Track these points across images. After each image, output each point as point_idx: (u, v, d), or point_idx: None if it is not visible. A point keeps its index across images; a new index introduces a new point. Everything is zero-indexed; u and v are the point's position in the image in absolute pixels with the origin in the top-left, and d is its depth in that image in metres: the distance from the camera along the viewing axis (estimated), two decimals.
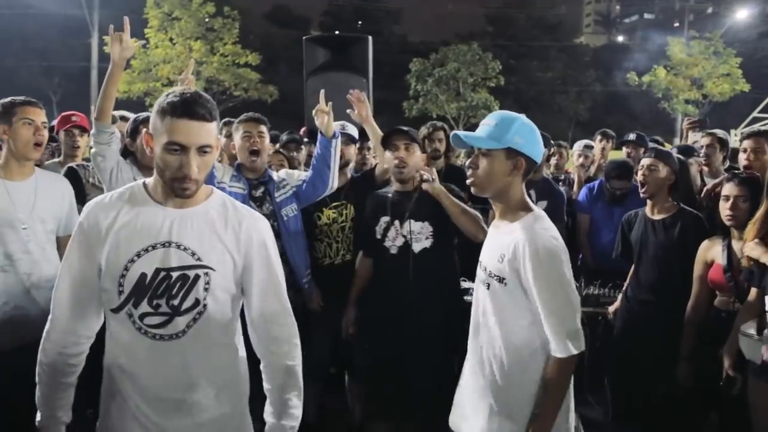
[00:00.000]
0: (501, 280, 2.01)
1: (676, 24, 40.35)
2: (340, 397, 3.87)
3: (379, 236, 3.10)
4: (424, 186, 3.00)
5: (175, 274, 1.72)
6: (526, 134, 2.01)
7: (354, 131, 3.64)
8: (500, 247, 2.03)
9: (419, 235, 3.03)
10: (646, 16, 60.02)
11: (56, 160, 4.09)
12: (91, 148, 3.89)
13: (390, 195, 3.17)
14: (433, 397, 2.83)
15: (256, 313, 1.84)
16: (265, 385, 1.86)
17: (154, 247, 1.71)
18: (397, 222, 3.07)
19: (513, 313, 2.02)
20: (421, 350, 2.97)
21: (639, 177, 3.34)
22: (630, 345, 3.33)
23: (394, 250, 3.06)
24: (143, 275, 1.70)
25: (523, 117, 2.06)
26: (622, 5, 63.37)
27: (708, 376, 2.91)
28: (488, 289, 2.07)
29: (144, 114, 3.30)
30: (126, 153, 3.28)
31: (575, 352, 1.94)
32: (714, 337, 2.88)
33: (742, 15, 31.95)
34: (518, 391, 2.03)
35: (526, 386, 2.02)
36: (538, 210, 2.08)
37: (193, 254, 1.73)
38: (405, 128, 3.19)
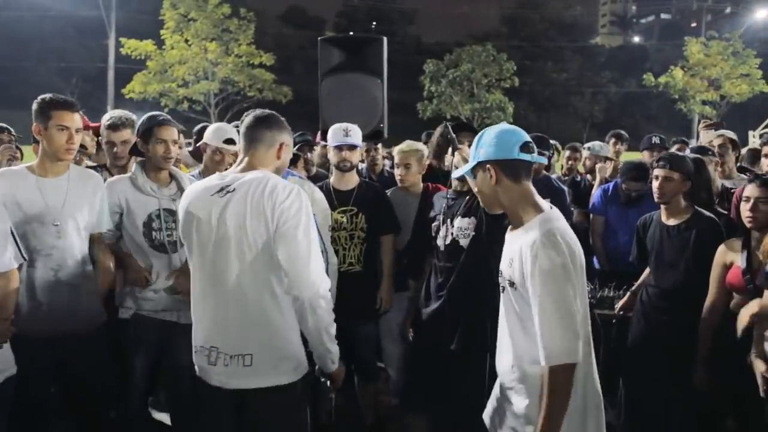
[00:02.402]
0: (512, 284, 2.05)
1: (693, 24, 39.96)
2: (350, 398, 3.88)
3: (433, 233, 3.19)
4: (454, 159, 3.05)
5: None
6: (486, 142, 2.10)
7: (357, 136, 3.61)
8: (511, 252, 2.07)
9: (467, 230, 3.06)
10: (663, 16, 59.52)
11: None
12: (99, 143, 3.90)
13: (449, 196, 3.21)
14: (469, 391, 2.85)
15: None
16: None
17: None
18: (449, 220, 3.13)
19: (524, 315, 2.03)
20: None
21: (654, 188, 3.32)
22: (646, 350, 3.30)
23: (443, 248, 3.12)
24: None
25: (492, 127, 2.16)
26: (638, 5, 62.97)
27: (725, 381, 2.89)
28: (503, 292, 2.13)
29: (155, 113, 3.24)
30: (135, 151, 3.22)
31: (571, 360, 1.91)
32: (731, 342, 2.85)
33: (761, 15, 31.56)
34: (532, 392, 2.04)
35: (537, 389, 2.02)
36: (550, 211, 2.08)
37: None
38: (470, 125, 3.22)
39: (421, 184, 3.87)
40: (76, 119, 2.77)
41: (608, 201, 4.47)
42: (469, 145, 3.04)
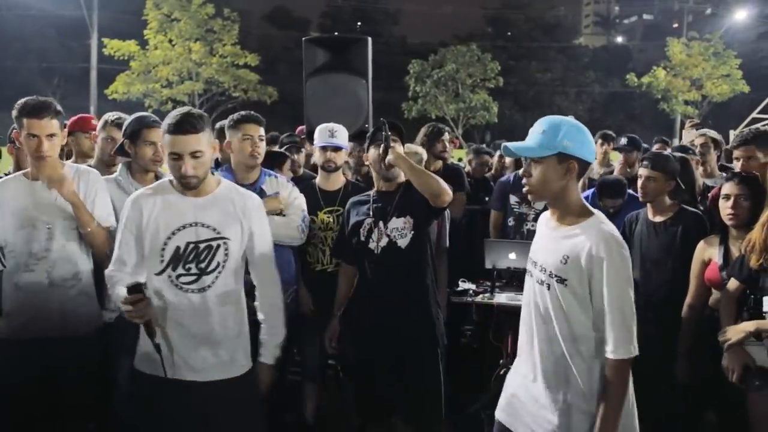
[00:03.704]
0: (562, 281, 2.05)
1: (675, 25, 40.35)
2: (338, 398, 3.88)
3: (363, 238, 3.03)
4: (388, 158, 2.89)
5: (202, 245, 2.33)
6: (574, 136, 2.05)
7: (343, 137, 3.59)
8: (563, 249, 2.06)
9: (403, 230, 2.97)
10: (645, 16, 60.07)
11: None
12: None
13: (371, 197, 3.11)
14: (425, 395, 2.94)
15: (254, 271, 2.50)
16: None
17: (184, 227, 2.32)
18: (381, 222, 3.01)
19: (576, 312, 2.05)
20: (413, 348, 2.97)
21: (638, 187, 3.36)
22: None
23: (378, 251, 2.99)
24: (177, 248, 2.31)
25: (570, 119, 2.11)
26: (621, 6, 63.47)
27: (705, 374, 2.94)
28: (548, 289, 2.10)
29: (143, 114, 3.21)
30: (120, 151, 3.17)
31: (635, 353, 2.00)
32: (711, 337, 2.89)
33: (740, 16, 32.00)
34: (585, 387, 2.07)
35: (590, 381, 2.06)
36: (598, 212, 2.14)
37: (214, 229, 2.34)
38: (401, 128, 3.17)
39: None
40: (50, 125, 2.68)
41: None
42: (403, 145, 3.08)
